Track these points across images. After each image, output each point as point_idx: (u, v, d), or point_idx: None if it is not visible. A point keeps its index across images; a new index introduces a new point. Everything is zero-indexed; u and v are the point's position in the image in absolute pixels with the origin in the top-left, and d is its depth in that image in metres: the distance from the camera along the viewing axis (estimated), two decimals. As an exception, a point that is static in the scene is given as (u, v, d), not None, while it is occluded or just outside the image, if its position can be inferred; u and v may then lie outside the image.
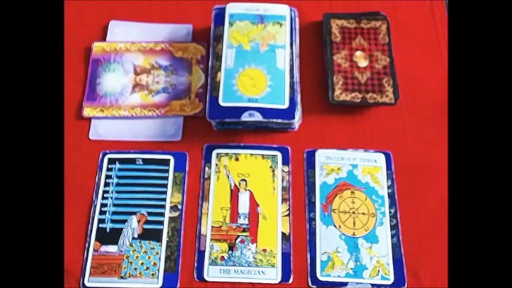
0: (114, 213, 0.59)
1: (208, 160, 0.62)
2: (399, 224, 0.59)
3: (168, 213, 0.59)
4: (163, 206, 0.60)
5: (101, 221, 0.59)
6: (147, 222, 0.59)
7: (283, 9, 0.66)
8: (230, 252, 0.57)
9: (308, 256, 0.58)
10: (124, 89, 0.66)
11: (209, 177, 0.61)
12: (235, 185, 0.61)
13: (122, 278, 0.56)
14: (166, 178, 0.61)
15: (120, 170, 0.62)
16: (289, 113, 0.60)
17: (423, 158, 0.63)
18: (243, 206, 0.60)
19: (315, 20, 0.71)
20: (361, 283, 0.56)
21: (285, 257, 0.57)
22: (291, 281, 0.56)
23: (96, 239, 0.58)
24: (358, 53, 0.66)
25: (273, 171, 0.62)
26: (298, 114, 0.61)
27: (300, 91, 0.65)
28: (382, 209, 0.60)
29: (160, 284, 0.56)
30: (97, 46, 0.69)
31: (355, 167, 0.62)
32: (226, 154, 0.63)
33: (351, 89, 0.64)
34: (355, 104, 0.64)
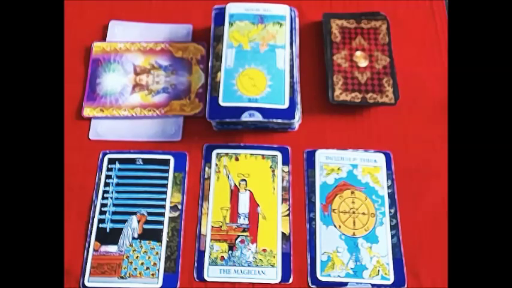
0: (114, 213, 0.59)
1: (208, 160, 0.62)
2: (399, 224, 0.59)
3: (168, 213, 0.59)
4: (163, 206, 0.60)
5: (101, 221, 0.59)
6: (147, 222, 0.59)
7: (283, 9, 0.66)
8: (230, 252, 0.57)
9: (308, 256, 0.58)
10: (124, 89, 0.66)
11: (209, 177, 0.61)
12: (235, 185, 0.61)
13: (122, 278, 0.56)
14: (166, 178, 0.61)
15: (120, 170, 0.62)
16: (289, 113, 0.60)
17: (423, 158, 0.63)
18: (243, 206, 0.60)
19: (315, 20, 0.71)
20: (361, 283, 0.56)
21: (285, 257, 0.57)
22: (291, 281, 0.56)
23: (96, 239, 0.58)
24: (358, 53, 0.66)
25: (273, 171, 0.62)
26: (298, 114, 0.61)
27: (300, 91, 0.65)
28: (382, 209, 0.60)
29: (160, 284, 0.56)
30: (97, 46, 0.69)
31: (355, 167, 0.62)
32: (226, 154, 0.63)
33: (351, 89, 0.64)
34: (355, 104, 0.64)
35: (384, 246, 0.58)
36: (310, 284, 0.56)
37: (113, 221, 0.59)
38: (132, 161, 0.62)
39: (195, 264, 0.57)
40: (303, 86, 0.66)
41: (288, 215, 0.60)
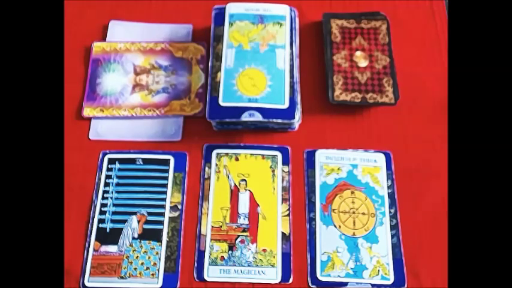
0: (114, 213, 0.59)
1: (208, 160, 0.62)
2: (399, 224, 0.59)
3: (168, 213, 0.59)
4: (163, 206, 0.60)
5: (101, 221, 0.59)
6: (147, 222, 0.59)
7: (283, 9, 0.66)
8: (230, 252, 0.57)
9: (308, 256, 0.58)
10: (124, 89, 0.66)
11: (209, 177, 0.61)
12: (235, 185, 0.61)
13: (122, 278, 0.56)
14: (166, 178, 0.61)
15: (120, 170, 0.62)
16: (289, 113, 0.60)
17: (423, 158, 0.63)
18: (243, 206, 0.60)
19: (315, 20, 0.71)
20: (361, 283, 0.56)
21: (285, 257, 0.57)
22: (291, 281, 0.56)
23: (96, 239, 0.58)
24: (358, 53, 0.66)
25: (273, 171, 0.62)
26: (298, 114, 0.61)
27: (300, 91, 0.65)
28: (382, 209, 0.60)
29: (160, 284, 0.56)
30: (97, 46, 0.69)
31: (355, 167, 0.62)
32: (226, 154, 0.63)
33: (351, 89, 0.64)
34: (355, 104, 0.64)
35: (384, 246, 0.58)
36: (310, 284, 0.56)
37: (113, 221, 0.59)
38: (132, 161, 0.62)
39: (195, 264, 0.57)
40: (303, 86, 0.66)
41: (288, 215, 0.60)
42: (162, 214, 0.59)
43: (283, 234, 0.58)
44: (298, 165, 0.62)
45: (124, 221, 0.59)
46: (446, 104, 0.65)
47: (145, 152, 0.63)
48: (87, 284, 0.56)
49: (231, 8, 0.66)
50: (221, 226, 0.59)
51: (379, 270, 0.57)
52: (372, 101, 0.63)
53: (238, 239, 0.58)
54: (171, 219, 0.59)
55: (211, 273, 0.57)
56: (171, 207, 0.60)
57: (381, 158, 0.62)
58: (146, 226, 0.59)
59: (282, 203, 0.60)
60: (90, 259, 0.57)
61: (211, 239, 0.58)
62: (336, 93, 0.64)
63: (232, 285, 0.56)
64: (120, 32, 0.70)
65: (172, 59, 0.68)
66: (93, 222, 0.59)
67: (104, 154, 0.63)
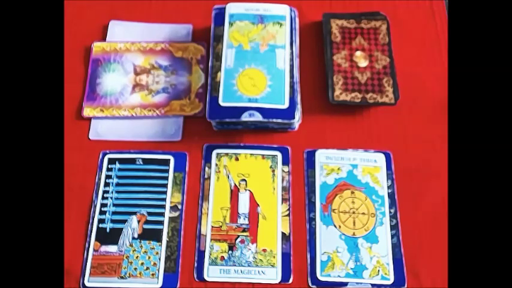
0: (114, 213, 0.59)
1: (208, 160, 0.62)
2: (399, 224, 0.59)
3: (168, 213, 0.59)
4: (163, 206, 0.60)
5: (101, 221, 0.59)
6: (147, 222, 0.59)
7: (283, 9, 0.66)
8: (230, 252, 0.57)
9: (308, 256, 0.58)
10: (124, 89, 0.66)
11: (209, 177, 0.61)
12: (235, 185, 0.61)
13: (121, 278, 0.56)
14: (166, 178, 0.61)
15: (120, 170, 0.62)
16: (289, 113, 0.60)
17: (423, 158, 0.63)
18: (243, 206, 0.60)
19: (315, 20, 0.71)
20: (361, 283, 0.56)
21: (285, 257, 0.57)
22: (291, 281, 0.56)
23: (96, 239, 0.58)
24: (358, 53, 0.66)
25: (273, 171, 0.62)
26: (298, 114, 0.61)
27: (300, 91, 0.65)
28: (382, 209, 0.60)
29: (160, 284, 0.56)
30: (97, 46, 0.69)
31: (355, 167, 0.62)
32: (226, 154, 0.63)
33: (351, 89, 0.64)
34: (355, 104, 0.64)
35: (383, 246, 0.58)
36: (310, 284, 0.56)
37: (113, 221, 0.59)
38: (132, 161, 0.62)
39: (195, 264, 0.57)
40: (303, 86, 0.66)
41: (288, 215, 0.60)
42: (162, 214, 0.59)
43: (283, 234, 0.58)
44: (298, 165, 0.62)
45: (124, 221, 0.59)
46: (446, 104, 0.65)
47: (145, 152, 0.63)
48: (87, 284, 0.56)
49: (231, 8, 0.66)
50: (221, 226, 0.59)
51: (379, 270, 0.57)
52: (372, 101, 0.63)
53: (238, 239, 0.58)
54: (171, 219, 0.59)
55: (211, 273, 0.57)
56: (171, 207, 0.60)
57: (381, 158, 0.62)
58: (146, 226, 0.59)
59: (282, 203, 0.60)
60: (90, 259, 0.57)
61: (211, 239, 0.58)
62: (336, 93, 0.64)
63: (232, 285, 0.56)
64: (120, 32, 0.70)
65: (172, 59, 0.68)
66: (93, 222, 0.59)
67: (104, 154, 0.63)
